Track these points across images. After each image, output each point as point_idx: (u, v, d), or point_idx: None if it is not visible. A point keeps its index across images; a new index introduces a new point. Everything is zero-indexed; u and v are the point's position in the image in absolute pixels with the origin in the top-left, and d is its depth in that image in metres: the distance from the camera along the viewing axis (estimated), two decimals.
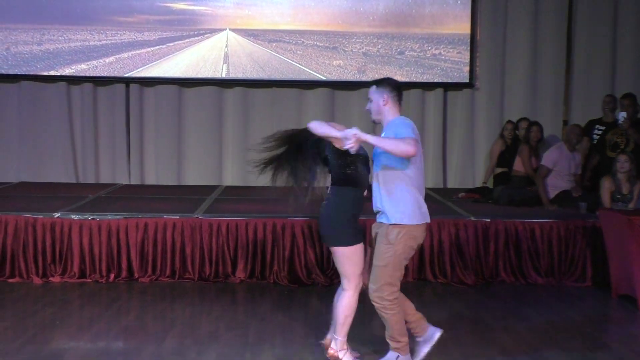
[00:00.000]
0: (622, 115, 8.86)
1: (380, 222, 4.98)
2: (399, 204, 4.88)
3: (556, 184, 8.82)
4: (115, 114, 10.86)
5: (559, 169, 8.81)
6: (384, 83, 5.08)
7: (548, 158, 8.87)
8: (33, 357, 5.24)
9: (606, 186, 7.98)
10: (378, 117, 5.03)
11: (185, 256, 7.58)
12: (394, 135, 4.79)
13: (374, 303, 5.01)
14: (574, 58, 11.11)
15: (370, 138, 4.72)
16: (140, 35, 10.84)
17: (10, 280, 7.46)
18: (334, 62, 10.87)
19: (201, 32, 10.85)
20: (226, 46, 10.87)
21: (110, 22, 10.83)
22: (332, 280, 7.25)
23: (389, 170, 4.89)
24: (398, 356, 5.10)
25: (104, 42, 10.81)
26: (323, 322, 6.08)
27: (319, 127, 4.97)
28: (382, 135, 4.95)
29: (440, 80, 10.98)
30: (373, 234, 5.08)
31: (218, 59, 10.85)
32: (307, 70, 10.87)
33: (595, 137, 9.51)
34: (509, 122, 10.12)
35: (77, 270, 7.53)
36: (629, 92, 9.44)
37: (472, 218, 7.85)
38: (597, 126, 9.55)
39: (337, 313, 5.08)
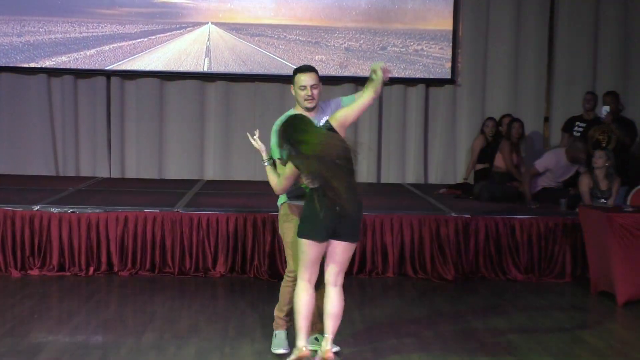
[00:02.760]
0: (604, 110, 8.87)
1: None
2: None
3: (540, 183, 8.83)
4: (96, 106, 10.79)
5: (551, 174, 8.80)
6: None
7: (542, 163, 8.83)
8: (11, 350, 5.20)
9: (584, 182, 8.02)
10: (317, 104, 5.13)
11: (165, 250, 7.55)
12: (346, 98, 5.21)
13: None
14: (555, 55, 11.16)
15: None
16: (122, 27, 10.78)
17: None
18: (316, 57, 10.85)
19: (183, 25, 10.81)
20: (208, 40, 10.83)
21: (92, 14, 10.76)
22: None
23: None
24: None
25: (85, 34, 10.74)
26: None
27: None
28: (323, 117, 5.02)
29: (422, 76, 10.99)
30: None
31: (200, 53, 10.82)
32: (290, 64, 10.83)
33: (575, 134, 9.56)
34: (490, 119, 10.16)
35: (56, 263, 7.49)
36: (612, 90, 9.49)
37: (453, 214, 7.87)
38: (578, 123, 9.60)
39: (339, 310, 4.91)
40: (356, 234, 4.90)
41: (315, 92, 5.09)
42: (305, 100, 5.09)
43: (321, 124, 4.88)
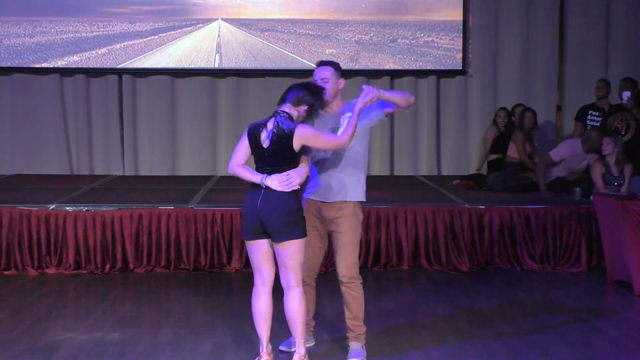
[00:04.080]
0: (625, 95, 8.78)
1: (341, 201, 4.97)
2: (362, 182, 5.03)
3: (555, 172, 8.78)
4: (108, 105, 10.84)
5: (567, 164, 8.75)
6: (339, 67, 5.08)
7: (558, 152, 8.75)
8: (29, 348, 5.24)
9: (597, 169, 8.00)
10: (331, 100, 4.98)
11: (180, 246, 7.58)
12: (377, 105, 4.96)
13: (346, 286, 5.00)
14: (566, 43, 11.11)
15: (385, 93, 4.86)
16: (132, 26, 10.82)
17: (5, 273, 7.47)
18: (327, 51, 10.85)
19: (193, 22, 10.83)
20: (218, 36, 10.84)
21: (102, 13, 10.81)
22: (327, 269, 7.24)
23: (354, 151, 4.98)
24: (362, 346, 5.09)
25: (95, 33, 10.78)
26: (319, 311, 6.10)
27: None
28: (346, 116, 4.93)
29: (433, 68, 10.98)
30: (318, 215, 5.05)
31: (210, 49, 10.83)
32: (300, 59, 10.86)
33: (588, 122, 9.51)
34: (502, 109, 10.13)
35: (73, 261, 7.53)
36: (629, 77, 9.42)
37: (467, 205, 7.85)
38: (591, 111, 9.55)
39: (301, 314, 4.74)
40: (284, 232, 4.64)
41: (327, 85, 4.97)
42: None
43: (341, 122, 4.89)
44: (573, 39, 11.07)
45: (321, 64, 5.08)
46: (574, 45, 11.08)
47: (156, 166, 10.93)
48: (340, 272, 5.02)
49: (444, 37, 10.94)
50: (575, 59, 11.09)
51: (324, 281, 6.48)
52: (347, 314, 5.09)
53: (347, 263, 5.01)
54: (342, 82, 5.05)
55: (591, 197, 7.72)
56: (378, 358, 5.10)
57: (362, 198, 5.06)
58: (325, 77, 4.99)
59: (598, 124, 9.32)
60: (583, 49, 11.06)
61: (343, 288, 5.04)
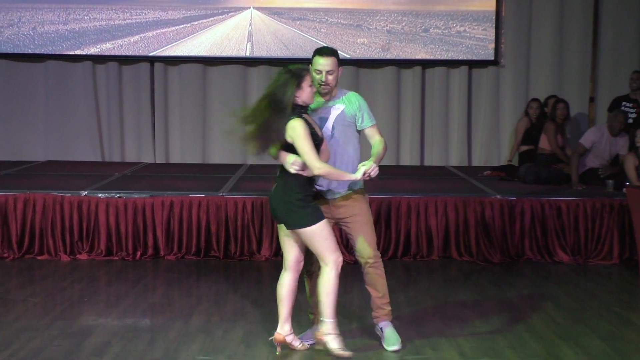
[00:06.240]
0: None
1: (350, 190, 4.97)
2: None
3: (588, 163, 8.70)
4: (140, 92, 10.90)
5: (597, 151, 8.68)
6: (338, 54, 5.00)
7: (587, 137, 8.71)
8: (62, 333, 5.30)
9: (630, 161, 7.91)
10: (332, 89, 4.96)
11: (211, 234, 7.62)
12: (368, 114, 5.03)
13: (373, 267, 4.99)
14: (600, 34, 10.98)
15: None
16: (165, 14, 10.86)
17: (39, 258, 7.56)
18: (358, 40, 10.82)
19: (225, 10, 10.85)
20: (250, 24, 10.85)
21: (135, 1, 10.86)
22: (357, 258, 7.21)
23: (353, 140, 5.02)
24: (393, 328, 5.09)
25: (128, 21, 10.83)
26: (348, 300, 6.11)
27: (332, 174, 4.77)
28: (335, 105, 4.96)
29: (465, 58, 10.91)
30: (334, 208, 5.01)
31: (242, 38, 10.85)
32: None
33: None
34: (534, 100, 10.04)
35: (104, 248, 7.60)
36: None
37: (498, 196, 7.81)
38: (624, 103, 9.46)
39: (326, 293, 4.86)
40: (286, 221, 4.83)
41: (330, 77, 4.88)
42: (320, 84, 4.90)
43: (332, 112, 4.94)
44: (607, 30, 10.94)
45: (328, 53, 4.94)
46: (608, 36, 10.95)
47: (187, 154, 10.99)
48: (367, 254, 4.98)
49: (476, 27, 10.86)
50: (609, 50, 10.96)
51: (353, 271, 6.49)
52: (376, 293, 5.05)
53: (371, 243, 4.99)
54: (340, 70, 4.99)
55: (624, 189, 7.64)
56: (408, 347, 5.09)
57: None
58: (331, 69, 4.90)
59: (632, 115, 9.24)
60: (617, 40, 10.93)
61: (370, 269, 5.01)
